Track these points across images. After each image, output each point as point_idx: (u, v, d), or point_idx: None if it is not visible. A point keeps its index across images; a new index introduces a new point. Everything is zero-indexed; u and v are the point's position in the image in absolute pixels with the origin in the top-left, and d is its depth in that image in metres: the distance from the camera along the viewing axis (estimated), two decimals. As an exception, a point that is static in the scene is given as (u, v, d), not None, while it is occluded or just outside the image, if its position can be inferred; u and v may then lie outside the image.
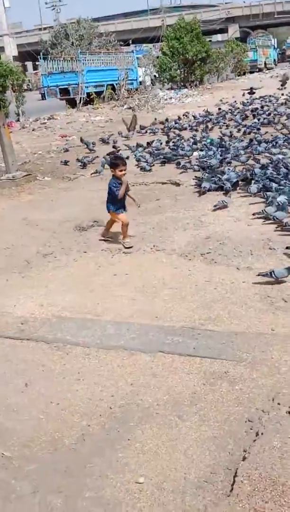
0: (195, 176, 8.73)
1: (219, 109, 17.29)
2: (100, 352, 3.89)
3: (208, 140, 11.71)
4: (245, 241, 5.89)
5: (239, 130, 13.17)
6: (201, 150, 10.75)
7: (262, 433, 2.77)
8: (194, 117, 16.40)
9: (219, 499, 2.41)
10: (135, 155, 11.14)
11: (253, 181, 7.79)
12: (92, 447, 2.89)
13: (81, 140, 13.42)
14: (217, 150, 10.51)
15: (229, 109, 17.06)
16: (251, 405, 3.09)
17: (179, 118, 16.67)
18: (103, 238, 6.32)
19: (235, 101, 18.95)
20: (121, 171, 5.83)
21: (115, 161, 5.96)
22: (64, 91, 26.58)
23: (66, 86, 26.38)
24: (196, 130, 13.83)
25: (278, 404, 3.04)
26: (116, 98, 25.68)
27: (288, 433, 2.72)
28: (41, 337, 4.19)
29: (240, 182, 7.98)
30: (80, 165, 11.09)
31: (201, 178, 8.47)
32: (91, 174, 10.29)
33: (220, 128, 13.98)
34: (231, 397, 3.20)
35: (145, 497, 2.48)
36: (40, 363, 3.83)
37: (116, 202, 6.01)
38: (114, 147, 12.41)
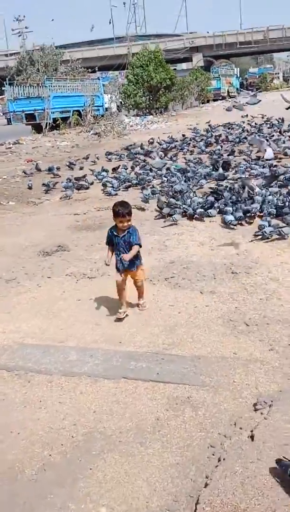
0: (164, 201, 8.83)
1: (183, 135, 17.62)
2: (62, 379, 3.84)
3: (173, 166, 11.89)
4: (208, 265, 5.96)
5: (208, 155, 13.43)
6: (165, 177, 10.89)
7: (224, 459, 2.77)
8: (159, 143, 16.65)
9: (181, 527, 2.39)
10: (101, 180, 11.22)
11: (214, 206, 7.96)
12: (53, 477, 2.84)
13: (37, 167, 13.55)
14: (181, 175, 10.67)
15: (193, 136, 17.40)
16: (213, 430, 3.10)
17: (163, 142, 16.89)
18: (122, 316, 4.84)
19: (197, 128, 19.36)
20: (121, 222, 4.69)
21: (116, 209, 4.68)
22: (30, 116, 26.70)
23: (32, 112, 26.51)
24: (161, 157, 14.03)
25: (240, 428, 3.06)
26: (82, 124, 25.88)
27: (249, 458, 2.73)
28: (2, 365, 4.12)
29: (203, 207, 8.11)
30: (44, 190, 11.09)
31: (165, 203, 8.58)
32: (60, 198, 10.30)
33: (184, 154, 14.23)
34: (194, 422, 3.20)
35: (106, 528, 2.44)
36: (0, 392, 3.75)
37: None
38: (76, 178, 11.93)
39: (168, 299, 5.14)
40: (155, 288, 5.46)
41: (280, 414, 3.10)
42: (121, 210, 4.65)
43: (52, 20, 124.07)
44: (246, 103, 25.60)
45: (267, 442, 2.85)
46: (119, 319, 4.75)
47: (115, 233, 4.75)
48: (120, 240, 4.73)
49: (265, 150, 11.73)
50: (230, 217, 7.32)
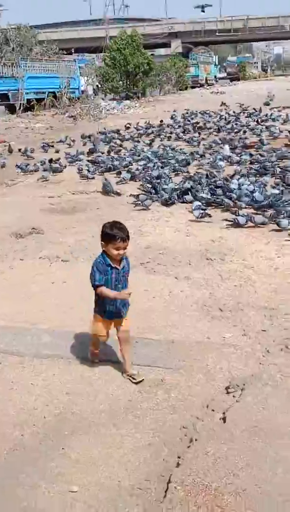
0: (141, 185, 8.81)
1: (161, 121, 17.55)
2: (35, 361, 3.81)
3: (150, 152, 11.84)
4: (183, 251, 5.98)
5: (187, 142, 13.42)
6: (142, 161, 10.84)
7: (196, 440, 2.81)
8: (136, 128, 16.55)
9: (152, 506, 2.41)
10: (77, 163, 11.12)
11: (190, 192, 7.97)
12: (25, 457, 2.82)
13: (9, 148, 13.37)
14: (158, 161, 10.65)
15: (171, 123, 17.35)
16: (186, 412, 3.12)
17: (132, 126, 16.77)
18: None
19: (175, 115, 19.30)
20: (118, 249, 3.40)
21: (111, 232, 3.39)
22: (4, 97, 26.12)
23: (6, 92, 25.94)
24: (138, 141, 13.96)
25: (212, 410, 3.09)
26: (58, 106, 25.48)
27: (221, 439, 2.77)
28: (-27, 346, 4.06)
29: (179, 193, 8.11)
30: (19, 172, 10.92)
31: (142, 189, 8.57)
32: (37, 179, 10.19)
33: (161, 140, 14.18)
34: (167, 404, 3.22)
35: (78, 506, 2.44)
36: (-28, 373, 3.71)
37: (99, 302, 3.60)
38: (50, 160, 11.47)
39: (143, 284, 5.14)
40: (130, 273, 5.43)
41: (252, 397, 3.15)
42: (120, 234, 3.35)
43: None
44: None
45: (239, 424, 2.89)
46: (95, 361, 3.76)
47: (113, 265, 3.42)
48: (119, 273, 3.46)
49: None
50: (197, 212, 7.16)
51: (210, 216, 7.13)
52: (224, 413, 2.96)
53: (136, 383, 3.45)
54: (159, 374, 3.56)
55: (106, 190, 8.80)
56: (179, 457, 2.69)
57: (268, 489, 2.41)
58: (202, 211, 7.12)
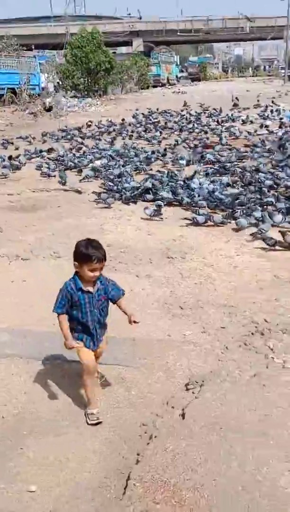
0: (102, 184, 8.79)
1: (123, 120, 17.55)
2: (-7, 360, 3.75)
3: (112, 150, 11.83)
4: (145, 249, 6.01)
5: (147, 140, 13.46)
6: (103, 159, 10.83)
7: (155, 436, 2.83)
8: (98, 126, 16.49)
9: (111, 503, 2.42)
10: (37, 161, 11.01)
11: (151, 191, 8.01)
12: (-17, 458, 2.78)
13: None
14: (119, 159, 10.65)
15: (133, 122, 17.37)
16: (145, 410, 3.15)
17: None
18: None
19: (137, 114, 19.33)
20: (94, 270, 3.02)
21: (86, 251, 2.99)
22: None
23: None
24: (99, 139, 13.93)
25: (172, 407, 3.12)
26: (17, 103, 25.09)
27: (180, 436, 2.80)
28: None
29: (141, 192, 8.14)
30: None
31: (103, 187, 8.56)
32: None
33: (123, 139, 14.19)
34: (126, 402, 3.23)
35: (36, 505, 2.43)
36: None
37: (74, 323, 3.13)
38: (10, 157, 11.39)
39: (104, 282, 5.13)
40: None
41: (210, 394, 3.19)
42: (96, 254, 2.99)
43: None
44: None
45: (198, 420, 2.93)
46: (94, 423, 3.04)
47: (84, 289, 3.04)
48: (92, 297, 3.05)
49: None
50: (149, 211, 7.21)
51: (161, 214, 7.15)
52: (183, 409, 2.99)
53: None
54: (120, 372, 3.56)
55: (61, 182, 8.81)
56: (138, 454, 2.71)
57: (223, 482, 2.45)
58: (154, 210, 7.16)
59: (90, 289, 3.05)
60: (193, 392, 3.25)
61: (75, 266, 3.05)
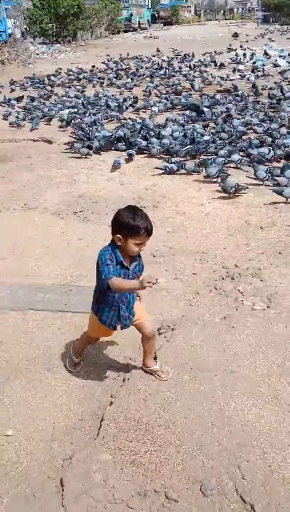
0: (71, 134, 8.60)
1: (93, 66, 17.03)
2: None
3: (82, 98, 11.52)
4: (117, 199, 5.97)
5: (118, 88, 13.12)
6: (74, 108, 10.56)
7: (128, 379, 2.91)
8: (67, 73, 15.98)
9: (86, 443, 2.51)
10: (4, 110, 10.68)
11: (123, 140, 7.89)
12: None
13: None
14: (90, 108, 10.40)
15: (105, 68, 16.85)
16: (120, 354, 3.22)
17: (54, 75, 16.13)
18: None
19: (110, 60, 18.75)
20: (140, 245, 2.61)
21: (134, 222, 2.54)
22: None
23: None
24: (69, 87, 13.53)
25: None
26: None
27: (151, 377, 2.88)
28: None
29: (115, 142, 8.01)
30: None
31: (74, 136, 8.38)
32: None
33: (94, 86, 13.81)
34: (100, 348, 3.30)
35: (13, 448, 2.50)
36: None
37: (100, 299, 2.83)
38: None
39: (77, 233, 5.12)
40: (64, 222, 5.40)
41: (182, 337, 3.28)
42: (146, 226, 2.56)
43: None
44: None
45: (169, 362, 3.02)
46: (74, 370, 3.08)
47: (125, 264, 2.65)
48: (127, 274, 2.67)
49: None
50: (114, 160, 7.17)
51: (119, 163, 7.08)
52: (155, 353, 3.06)
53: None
54: (93, 320, 3.61)
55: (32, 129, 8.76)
56: (112, 396, 2.79)
57: (193, 420, 2.56)
58: (125, 159, 7.09)
59: (128, 264, 2.67)
60: (165, 336, 3.33)
61: (116, 239, 2.59)
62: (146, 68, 16.69)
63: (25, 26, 30.87)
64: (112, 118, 9.69)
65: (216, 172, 6.31)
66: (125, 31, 40.57)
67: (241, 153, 7.16)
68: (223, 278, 4.13)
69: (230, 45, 20.93)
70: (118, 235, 2.57)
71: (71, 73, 15.99)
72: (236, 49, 19.51)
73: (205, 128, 8.48)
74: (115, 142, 7.90)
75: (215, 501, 2.18)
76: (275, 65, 15.54)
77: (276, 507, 2.12)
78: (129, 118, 9.51)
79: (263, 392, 2.76)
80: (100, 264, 2.59)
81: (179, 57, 19.00)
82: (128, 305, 2.76)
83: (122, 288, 2.55)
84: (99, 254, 2.64)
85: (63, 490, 2.23)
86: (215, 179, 6.33)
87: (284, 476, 2.25)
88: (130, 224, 2.53)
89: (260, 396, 2.73)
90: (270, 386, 2.81)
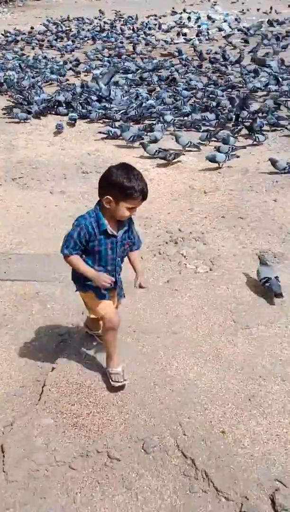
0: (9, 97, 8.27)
1: (32, 28, 16.36)
2: None
3: (19, 61, 11.08)
4: (58, 165, 5.83)
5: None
6: (12, 70, 10.14)
7: (71, 344, 2.88)
8: (4, 35, 15.27)
9: (28, 409, 2.48)
10: None
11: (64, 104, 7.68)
12: None
13: None
14: (29, 71, 10.03)
15: (45, 30, 16.22)
16: (61, 321, 3.18)
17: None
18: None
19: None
20: (132, 209, 2.32)
21: (130, 183, 2.24)
22: None
23: None
24: (6, 50, 12.97)
25: (88, 316, 3.16)
26: None
27: (94, 341, 2.86)
28: None
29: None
30: None
31: (12, 100, 8.08)
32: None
33: (33, 48, 13.30)
34: (42, 315, 3.25)
35: None
36: None
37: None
38: None
39: (16, 200, 4.98)
40: (2, 189, 5.24)
41: (125, 301, 3.25)
42: (142, 188, 2.27)
43: None
44: None
45: (112, 326, 3.00)
46: (119, 387, 2.53)
47: (110, 231, 2.35)
48: (115, 243, 2.39)
49: None
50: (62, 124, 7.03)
51: (62, 127, 6.93)
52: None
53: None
54: (34, 288, 3.54)
55: None
56: (54, 362, 2.76)
57: (136, 381, 2.57)
58: (60, 122, 6.93)
59: (115, 232, 2.36)
60: (108, 301, 3.30)
61: (106, 201, 2.27)
62: (88, 30, 16.20)
63: None
64: (52, 82, 9.39)
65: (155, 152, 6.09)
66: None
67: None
68: (166, 243, 4.13)
69: (173, 8, 20.56)
70: (108, 197, 2.25)
71: (8, 34, 15.30)
72: (181, 12, 19.19)
73: (150, 93, 8.36)
74: (55, 106, 7.67)
75: (157, 458, 2.21)
76: (220, 29, 15.43)
77: (216, 460, 2.18)
78: (70, 82, 9.24)
79: (204, 351, 2.80)
80: (68, 233, 2.33)
81: (122, 19, 18.53)
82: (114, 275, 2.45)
83: (77, 270, 2.35)
84: (75, 221, 2.34)
85: (4, 456, 2.20)
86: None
87: (224, 430, 2.31)
88: (124, 185, 2.21)
89: (202, 355, 2.77)
90: (211, 345, 2.85)
